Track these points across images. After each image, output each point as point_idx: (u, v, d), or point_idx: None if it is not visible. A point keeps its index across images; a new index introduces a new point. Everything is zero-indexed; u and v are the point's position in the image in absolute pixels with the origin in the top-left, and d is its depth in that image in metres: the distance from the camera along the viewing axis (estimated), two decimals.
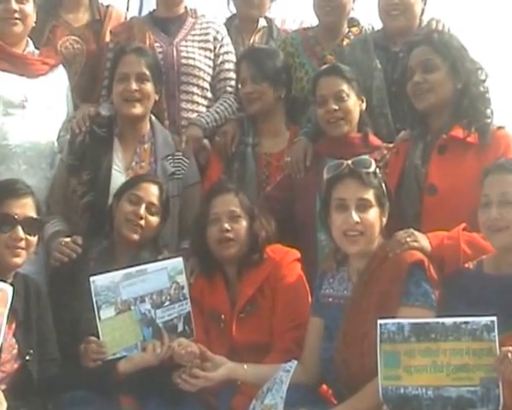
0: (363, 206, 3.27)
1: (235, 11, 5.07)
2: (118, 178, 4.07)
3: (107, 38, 4.72)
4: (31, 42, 4.37)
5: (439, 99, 3.66)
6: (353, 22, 4.75)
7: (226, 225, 3.68)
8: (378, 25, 4.70)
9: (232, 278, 3.75)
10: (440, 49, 3.67)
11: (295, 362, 3.26)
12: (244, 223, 3.72)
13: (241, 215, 3.72)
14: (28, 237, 3.41)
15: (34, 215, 3.45)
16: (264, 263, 3.70)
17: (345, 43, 4.63)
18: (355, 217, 3.25)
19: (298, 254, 3.76)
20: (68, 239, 3.86)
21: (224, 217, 3.70)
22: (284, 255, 3.73)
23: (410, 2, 4.39)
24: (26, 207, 3.43)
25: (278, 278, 3.67)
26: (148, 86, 4.15)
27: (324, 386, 3.45)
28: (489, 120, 3.63)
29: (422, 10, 4.48)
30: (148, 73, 4.14)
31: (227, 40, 4.75)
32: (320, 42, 4.67)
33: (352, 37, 4.66)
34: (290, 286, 3.65)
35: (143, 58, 4.17)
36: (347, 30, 4.70)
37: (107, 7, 4.88)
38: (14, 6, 4.20)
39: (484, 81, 3.69)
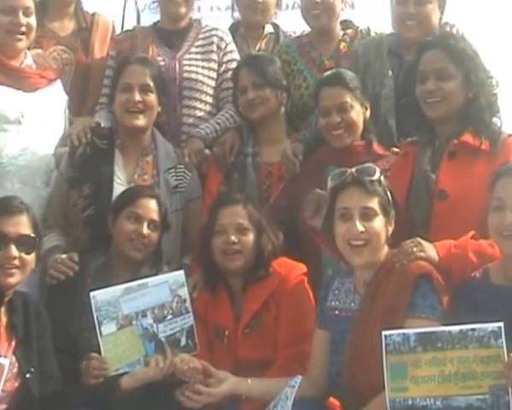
0: (367, 215, 3.22)
1: (239, 19, 5.04)
2: (120, 190, 4.01)
3: (96, 46, 4.69)
4: (29, 54, 4.30)
5: (450, 108, 3.61)
6: (347, 24, 4.69)
7: (233, 238, 3.63)
8: (376, 27, 4.67)
9: (237, 292, 3.70)
10: (455, 57, 3.61)
11: (300, 377, 3.20)
12: (251, 236, 3.67)
13: (249, 228, 3.68)
14: (23, 255, 3.35)
15: (29, 233, 3.38)
16: (269, 278, 3.66)
17: (341, 46, 4.58)
18: (359, 226, 3.20)
19: (304, 269, 3.71)
20: (64, 256, 3.80)
21: (232, 229, 3.66)
22: (290, 270, 3.68)
23: (426, 12, 4.24)
24: (19, 225, 3.36)
25: (283, 292, 3.62)
26: (152, 98, 4.10)
27: (331, 399, 3.38)
28: (496, 129, 3.58)
29: (440, 19, 4.34)
30: (152, 84, 4.10)
31: (231, 47, 4.69)
32: (315, 46, 4.62)
33: (348, 39, 4.60)
34: (294, 300, 3.60)
35: (148, 69, 4.12)
36: (342, 33, 4.64)
37: (93, 15, 4.82)
38: (22, 20, 4.14)
39: (493, 90, 3.65)
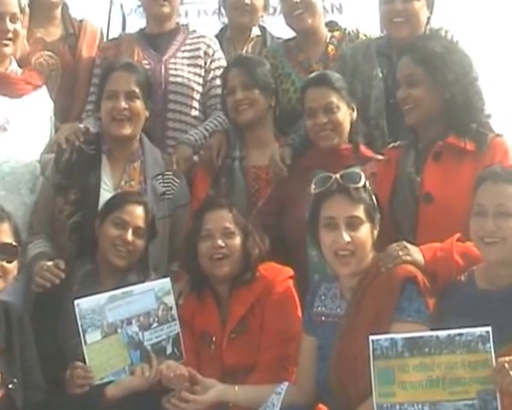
0: (353, 224, 3.20)
1: (226, 22, 5.00)
2: (107, 197, 3.95)
3: (84, 52, 4.65)
4: (14, 60, 4.26)
5: (423, 114, 3.58)
6: (334, 26, 4.67)
7: (220, 242, 3.60)
8: (364, 29, 4.65)
9: (223, 297, 3.67)
10: (423, 61, 3.57)
11: (286, 384, 3.19)
12: (238, 240, 3.65)
13: (235, 232, 3.65)
14: (4, 263, 3.30)
15: (10, 241, 3.34)
16: (255, 282, 3.63)
17: (329, 49, 4.55)
18: (346, 237, 3.17)
19: (291, 272, 3.68)
20: (50, 263, 3.76)
21: (218, 233, 3.63)
22: (277, 274, 3.66)
23: (414, 9, 4.20)
24: (0, 233, 3.32)
25: (269, 297, 3.60)
26: (138, 104, 4.04)
27: (320, 405, 3.33)
28: (480, 128, 3.54)
29: (428, 19, 4.29)
30: (137, 90, 4.04)
31: (218, 54, 4.66)
32: (303, 49, 4.58)
33: (335, 42, 4.58)
34: (280, 304, 3.58)
35: (133, 75, 4.07)
36: (330, 35, 4.61)
37: (81, 21, 4.79)
38: (9, 26, 4.10)
39: (472, 86, 3.59)
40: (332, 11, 6.02)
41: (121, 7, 5.89)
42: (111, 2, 5.95)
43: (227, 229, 3.64)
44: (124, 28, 5.30)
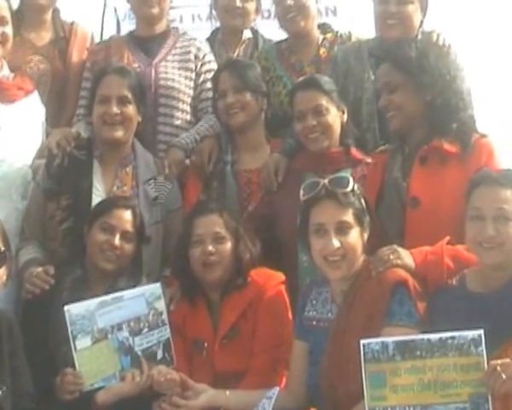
0: (342, 229, 3.19)
1: (218, 25, 4.98)
2: None
3: (74, 56, 4.62)
4: (5, 65, 4.24)
5: (407, 118, 3.57)
6: (326, 28, 4.65)
7: (210, 248, 3.58)
8: (357, 31, 4.64)
9: (215, 303, 3.66)
10: (401, 66, 3.57)
11: (277, 388, 3.19)
12: (229, 245, 3.63)
13: (226, 237, 3.63)
14: None
15: None
16: (247, 287, 3.61)
17: (321, 52, 4.54)
18: (335, 243, 3.16)
19: (282, 277, 3.67)
20: (40, 269, 3.73)
21: (209, 239, 3.61)
22: (268, 279, 3.64)
23: (408, 12, 4.19)
24: None
25: (261, 302, 3.58)
26: (130, 109, 4.01)
27: None
28: (463, 130, 3.53)
29: (421, 22, 4.28)
30: (129, 95, 4.01)
31: (209, 57, 4.63)
32: (295, 52, 4.57)
33: (327, 45, 4.56)
34: (271, 310, 3.57)
35: (126, 79, 4.04)
36: (322, 38, 4.59)
37: (72, 24, 4.75)
38: None
39: (449, 86, 3.58)
40: (326, 14, 6.03)
41: (115, 11, 5.88)
42: (104, 5, 5.95)
43: (217, 234, 3.62)
44: (118, 32, 5.26)
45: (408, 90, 3.55)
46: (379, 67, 3.69)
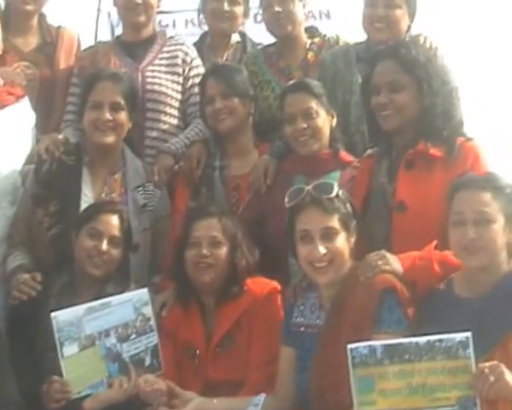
0: (328, 235, 3.17)
1: (207, 29, 4.95)
2: None
3: (62, 61, 4.60)
4: None
5: (405, 120, 3.54)
6: (314, 32, 4.64)
7: (205, 251, 3.57)
8: (345, 35, 4.63)
9: (209, 310, 3.63)
10: (408, 67, 3.53)
11: (264, 395, 3.17)
12: (225, 249, 3.61)
13: (223, 241, 3.61)
14: None
15: None
16: (242, 296, 3.59)
17: (309, 56, 4.52)
18: (321, 249, 3.15)
19: (278, 287, 3.64)
20: (27, 276, 3.71)
21: (205, 242, 3.59)
22: (264, 288, 3.61)
23: (396, 16, 4.22)
24: None
25: (256, 312, 3.55)
26: (122, 116, 3.99)
27: None
28: (450, 134, 3.50)
29: (408, 27, 4.31)
30: (122, 102, 3.99)
31: (197, 62, 4.60)
32: (283, 55, 4.55)
33: (315, 49, 4.54)
34: (267, 320, 3.53)
35: (118, 86, 4.01)
36: (310, 42, 4.57)
37: (58, 28, 4.73)
38: None
39: (451, 96, 3.59)
40: (320, 17, 6.02)
41: (109, 16, 5.86)
42: (98, 10, 5.93)
43: (214, 238, 3.61)
44: (113, 36, 5.24)
45: (411, 92, 3.52)
46: (380, 63, 3.60)
